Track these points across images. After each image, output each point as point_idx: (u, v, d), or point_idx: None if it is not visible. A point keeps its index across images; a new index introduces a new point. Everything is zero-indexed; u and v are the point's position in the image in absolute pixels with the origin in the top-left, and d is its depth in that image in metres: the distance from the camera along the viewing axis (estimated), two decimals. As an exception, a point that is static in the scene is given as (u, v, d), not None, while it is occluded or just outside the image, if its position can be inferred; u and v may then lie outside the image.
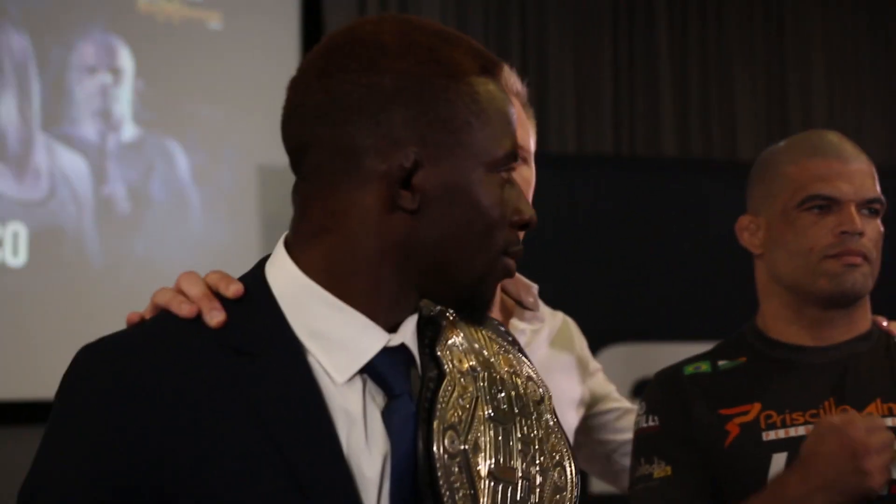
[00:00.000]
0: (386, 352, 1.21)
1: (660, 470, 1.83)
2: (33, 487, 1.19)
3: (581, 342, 2.28)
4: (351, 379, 1.19)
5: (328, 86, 1.21)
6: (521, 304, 2.13)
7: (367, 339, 1.20)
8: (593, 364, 2.25)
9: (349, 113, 1.19)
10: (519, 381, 1.29)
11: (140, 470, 1.13)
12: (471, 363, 1.26)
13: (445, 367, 1.23)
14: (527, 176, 1.84)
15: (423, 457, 1.18)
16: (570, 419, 2.16)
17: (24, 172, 4.19)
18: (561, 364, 2.18)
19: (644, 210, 4.49)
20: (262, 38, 4.54)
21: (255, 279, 1.24)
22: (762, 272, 1.96)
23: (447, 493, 1.17)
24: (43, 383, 4.08)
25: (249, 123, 4.35)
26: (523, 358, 1.34)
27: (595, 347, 4.36)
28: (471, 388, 1.24)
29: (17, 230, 4.15)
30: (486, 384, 1.25)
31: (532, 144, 1.89)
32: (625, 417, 2.15)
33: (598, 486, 4.34)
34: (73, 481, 1.15)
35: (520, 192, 1.25)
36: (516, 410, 1.26)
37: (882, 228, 1.90)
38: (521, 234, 1.27)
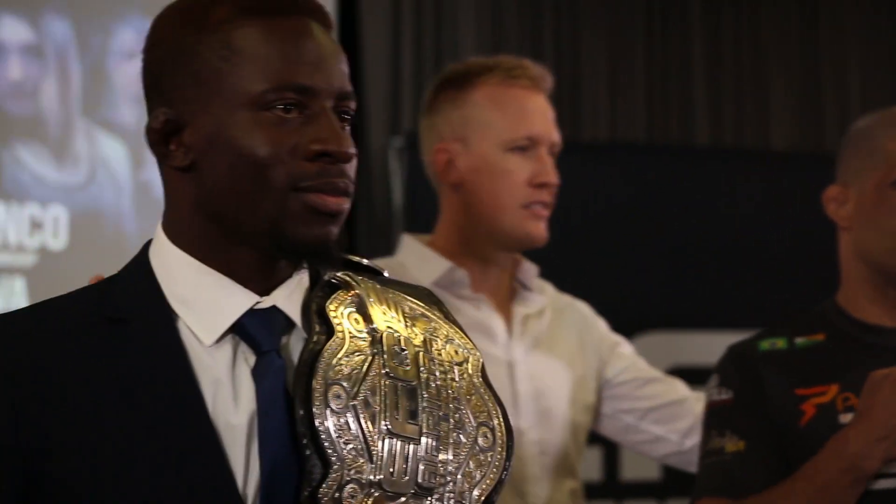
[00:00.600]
0: (256, 313, 1.24)
1: (732, 444, 1.84)
2: None
3: (594, 322, 2.31)
4: (220, 341, 1.23)
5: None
6: (524, 286, 2.18)
7: (234, 300, 1.24)
8: (611, 340, 2.27)
9: (148, 93, 1.29)
10: (435, 344, 1.29)
11: (8, 435, 1.17)
12: (371, 325, 1.26)
13: (337, 327, 1.24)
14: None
15: (303, 412, 1.19)
16: (586, 396, 2.18)
17: (65, 157, 4.24)
18: (565, 343, 2.21)
19: (677, 198, 4.52)
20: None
21: (140, 257, 1.31)
22: (847, 246, 1.93)
23: (331, 447, 1.18)
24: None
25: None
26: (447, 321, 1.34)
27: (628, 335, 4.40)
28: (365, 347, 1.24)
29: (58, 214, 4.20)
30: (384, 343, 1.25)
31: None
32: (649, 385, 2.18)
33: (630, 472, 4.37)
34: None
35: (321, 125, 1.22)
36: (423, 370, 1.26)
37: None
38: (345, 168, 1.24)
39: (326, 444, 1.18)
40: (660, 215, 4.50)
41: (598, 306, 4.27)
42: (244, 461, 1.20)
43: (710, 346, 4.47)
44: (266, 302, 1.25)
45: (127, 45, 4.34)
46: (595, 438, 2.50)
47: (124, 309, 1.24)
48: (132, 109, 4.33)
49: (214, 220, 1.25)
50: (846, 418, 1.80)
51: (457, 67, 2.26)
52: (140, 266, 1.29)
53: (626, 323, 4.35)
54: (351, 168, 1.24)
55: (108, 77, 4.31)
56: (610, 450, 4.30)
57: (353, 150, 1.24)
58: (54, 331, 1.24)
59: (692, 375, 4.36)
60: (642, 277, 4.46)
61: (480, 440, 1.27)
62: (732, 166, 4.70)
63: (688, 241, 4.51)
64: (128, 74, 4.34)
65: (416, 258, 2.17)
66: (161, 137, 1.25)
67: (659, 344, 4.44)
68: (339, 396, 1.20)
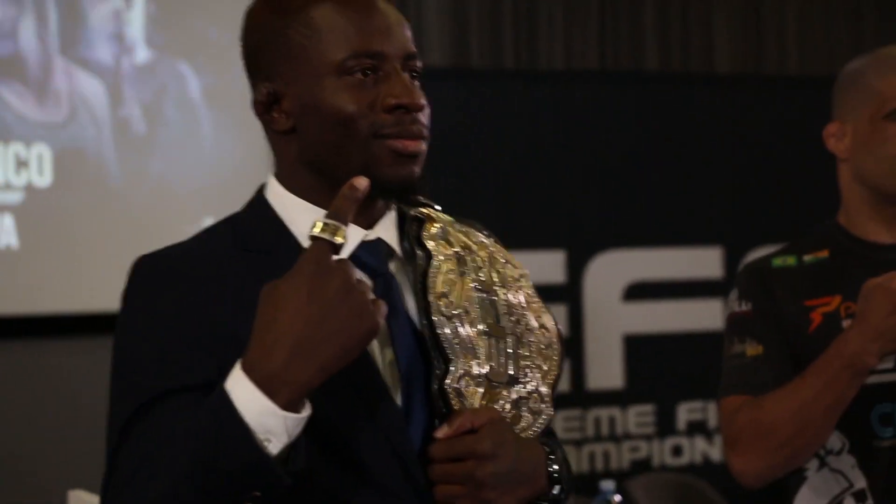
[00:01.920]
0: (366, 244, 1.46)
1: (752, 349, 2.08)
2: (126, 368, 1.40)
3: None
4: None
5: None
6: None
7: (348, 235, 1.37)
8: None
9: (250, 72, 1.50)
10: (497, 264, 1.56)
11: (198, 326, 1.37)
12: (454, 248, 1.52)
13: (432, 251, 1.49)
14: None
15: (426, 321, 1.45)
16: None
17: (46, 95, 4.32)
18: None
19: (630, 122, 4.71)
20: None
21: (259, 200, 1.52)
22: (846, 174, 2.16)
23: (449, 348, 1.44)
24: (71, 296, 4.32)
25: (256, 45, 4.51)
26: (501, 248, 1.60)
27: (588, 254, 4.65)
28: (455, 266, 1.50)
29: (42, 152, 4.31)
30: (468, 263, 1.52)
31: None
32: None
33: (595, 382, 4.65)
34: (153, 343, 1.39)
35: (394, 83, 1.42)
36: (497, 281, 1.53)
37: None
38: (418, 116, 1.43)
39: (446, 345, 1.44)
40: (614, 140, 4.69)
41: (557, 229, 4.53)
42: (381, 360, 1.44)
43: (661, 262, 4.75)
44: (371, 235, 1.47)
45: (101, -16, 4.43)
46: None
47: (263, 242, 1.45)
48: (108, 48, 4.43)
49: (316, 170, 1.46)
50: (848, 324, 2.04)
51: None
52: (263, 208, 1.50)
53: (586, 242, 4.62)
54: (424, 116, 1.45)
55: (84, 16, 4.39)
56: (576, 361, 4.56)
57: (423, 100, 1.44)
58: (209, 255, 1.45)
59: (646, 289, 4.65)
60: (600, 199, 4.66)
61: (542, 339, 1.54)
62: (680, 90, 4.90)
63: (642, 164, 4.70)
64: (103, 14, 4.44)
65: None
66: (265, 108, 1.47)
67: (616, 261, 4.68)
68: (447, 307, 1.46)
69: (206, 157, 4.56)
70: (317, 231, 1.27)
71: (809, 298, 2.11)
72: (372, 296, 1.29)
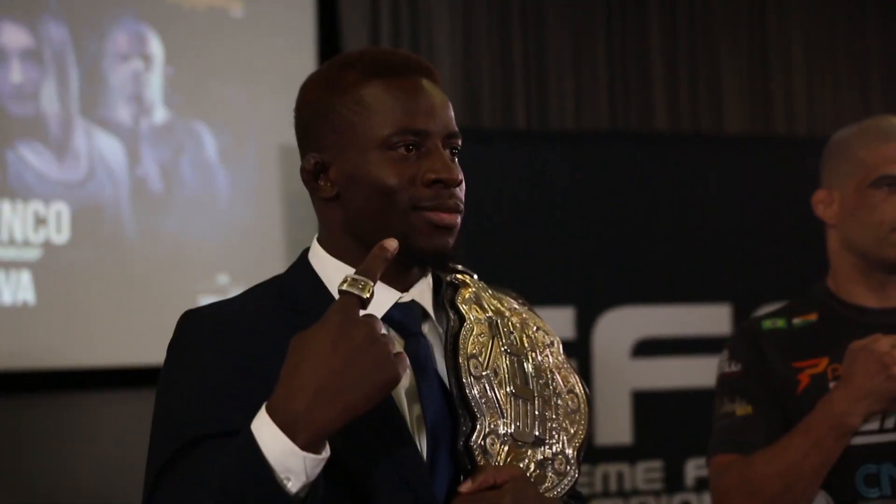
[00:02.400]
0: (400, 306, 1.56)
1: (741, 408, 2.15)
2: (170, 419, 1.48)
3: None
4: None
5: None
6: None
7: (383, 296, 1.52)
8: None
9: (300, 142, 1.61)
10: (529, 329, 1.65)
11: (236, 378, 1.45)
12: (486, 313, 1.61)
13: (464, 314, 1.58)
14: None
15: (454, 379, 1.53)
16: None
17: (65, 155, 4.43)
18: None
19: (639, 182, 4.77)
20: (281, 25, 4.77)
21: (302, 262, 1.62)
22: (834, 240, 2.24)
23: (476, 408, 1.51)
24: (88, 351, 4.39)
25: (271, 105, 4.59)
26: (535, 315, 1.70)
27: (598, 310, 4.69)
28: (486, 330, 1.59)
29: (60, 209, 4.40)
30: (499, 327, 1.61)
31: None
32: None
33: (603, 438, 4.67)
34: (195, 388, 1.47)
35: (434, 159, 1.52)
36: (527, 346, 1.61)
37: None
38: (455, 191, 1.54)
39: (473, 405, 1.52)
40: (624, 199, 4.75)
41: (567, 286, 4.58)
42: (409, 416, 1.52)
43: (670, 319, 4.79)
44: (406, 297, 1.57)
45: (121, 47, 4.55)
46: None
47: (302, 303, 1.55)
48: (127, 108, 4.54)
49: (357, 237, 1.56)
50: (834, 386, 2.09)
51: None
52: (305, 270, 1.61)
53: (596, 299, 4.66)
54: (460, 191, 1.56)
55: (104, 78, 4.51)
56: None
57: (460, 176, 1.55)
58: (252, 313, 1.54)
59: (655, 345, 4.69)
60: (610, 257, 4.71)
61: (570, 404, 1.63)
62: (690, 150, 4.96)
63: (651, 223, 4.76)
64: (122, 75, 4.56)
65: None
66: (312, 176, 1.58)
67: (625, 318, 4.72)
68: (476, 367, 1.54)
69: (221, 215, 4.65)
70: (345, 286, 1.35)
71: (797, 360, 2.16)
72: (397, 349, 1.37)
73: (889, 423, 2.07)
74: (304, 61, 4.67)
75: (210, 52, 4.67)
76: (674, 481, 4.70)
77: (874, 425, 2.06)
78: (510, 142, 4.86)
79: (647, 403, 4.69)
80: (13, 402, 4.34)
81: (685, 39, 5.50)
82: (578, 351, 4.65)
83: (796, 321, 2.22)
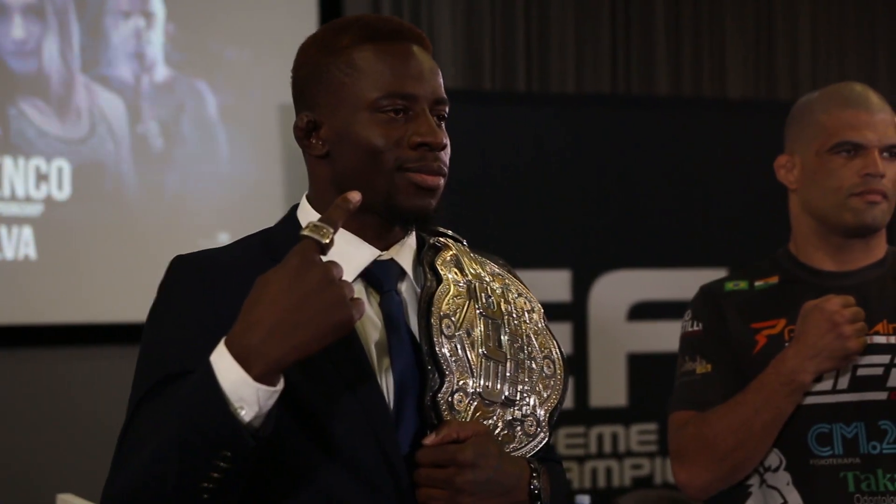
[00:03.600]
0: (379, 263, 1.61)
1: (701, 367, 2.19)
2: (152, 355, 1.55)
3: None
4: (354, 281, 1.57)
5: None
6: None
7: (363, 252, 1.60)
8: None
9: (295, 101, 1.66)
10: (510, 294, 1.69)
11: (215, 320, 1.48)
12: (466, 277, 1.66)
13: (443, 276, 1.63)
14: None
15: (425, 337, 1.57)
16: None
17: (67, 112, 4.47)
18: None
19: (638, 145, 4.78)
20: (284, -16, 4.80)
21: (289, 216, 1.68)
22: (795, 204, 2.27)
23: (446, 365, 1.56)
24: (88, 307, 4.45)
25: (272, 64, 4.62)
26: (517, 280, 1.75)
27: (595, 273, 4.71)
28: (464, 292, 1.64)
29: (62, 166, 4.46)
30: (477, 291, 1.65)
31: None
32: None
33: (599, 400, 4.71)
34: (177, 326, 1.54)
35: (421, 123, 1.58)
36: (506, 310, 1.66)
37: None
38: (439, 155, 1.58)
39: (443, 362, 1.57)
40: (624, 162, 4.75)
41: (564, 249, 4.61)
42: (378, 368, 1.57)
43: (666, 283, 4.81)
44: (385, 255, 1.63)
45: (122, 4, 4.57)
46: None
47: (283, 253, 1.55)
48: (128, 66, 4.57)
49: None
50: None
51: None
52: (291, 223, 1.66)
53: (594, 262, 4.69)
54: (445, 155, 1.61)
55: (105, 35, 4.54)
56: (580, 379, 4.64)
57: (445, 140, 1.60)
58: (237, 261, 1.59)
59: (651, 309, 4.71)
60: (607, 220, 4.73)
61: (545, 369, 1.68)
62: (688, 115, 4.96)
63: (650, 186, 4.75)
64: (124, 33, 4.58)
65: None
66: (305, 133, 1.63)
67: (622, 281, 4.74)
68: (449, 327, 1.59)
69: (221, 173, 4.68)
70: (306, 232, 1.41)
71: (756, 321, 2.20)
72: (353, 294, 1.41)
73: (842, 384, 2.11)
74: (304, 20, 4.69)
75: (211, 11, 4.69)
76: (667, 443, 4.73)
77: (827, 385, 2.11)
78: (510, 104, 4.88)
79: (642, 366, 4.73)
80: (14, 355, 4.41)
81: (689, 3, 5.49)
82: (575, 313, 4.68)
83: (758, 283, 2.25)
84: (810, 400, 2.10)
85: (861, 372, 2.10)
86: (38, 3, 4.44)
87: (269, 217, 4.55)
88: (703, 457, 2.13)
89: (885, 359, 2.11)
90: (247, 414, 1.36)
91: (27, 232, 4.41)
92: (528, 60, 5.26)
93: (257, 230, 1.69)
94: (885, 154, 2.19)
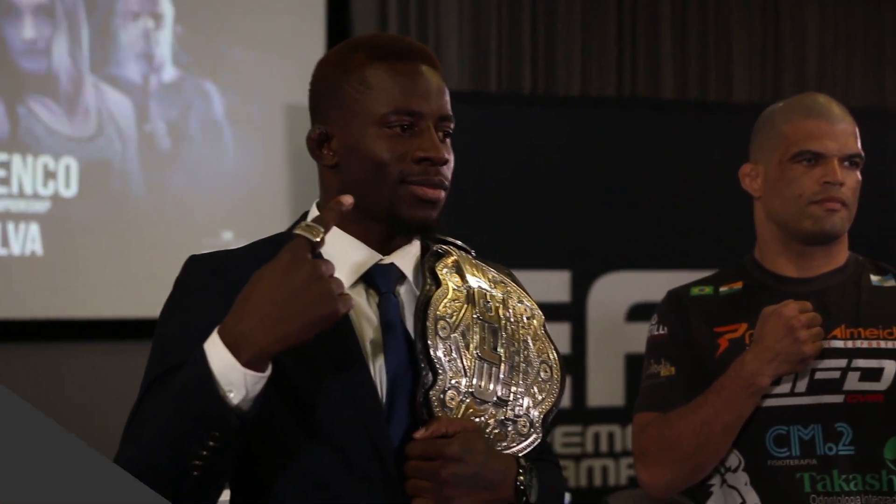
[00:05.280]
0: (380, 267, 1.69)
1: (666, 370, 2.24)
2: (164, 344, 1.65)
3: None
4: (354, 285, 1.67)
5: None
6: None
7: (364, 256, 1.69)
8: None
9: (311, 113, 1.74)
10: (510, 300, 1.76)
11: (219, 314, 1.55)
12: (466, 283, 1.73)
13: (442, 280, 1.71)
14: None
15: (420, 337, 1.65)
16: None
17: (75, 111, 4.55)
18: None
19: (639, 148, 4.80)
20: (291, -13, 4.86)
21: (300, 222, 1.73)
22: (760, 212, 2.33)
23: (439, 364, 1.63)
24: (93, 303, 4.53)
25: (279, 66, 4.67)
26: (519, 287, 1.81)
27: (593, 274, 4.74)
28: (462, 297, 1.71)
29: (69, 164, 4.54)
30: (475, 296, 1.72)
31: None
32: None
33: (597, 400, 4.75)
34: (186, 317, 1.62)
35: (425, 138, 1.66)
36: (502, 316, 1.73)
37: (860, 178, 2.25)
38: (441, 169, 1.66)
39: (436, 362, 1.64)
40: (626, 164, 4.78)
41: (564, 250, 4.64)
42: (372, 365, 1.65)
43: (667, 284, 4.79)
44: (387, 260, 1.71)
45: (131, 5, 4.64)
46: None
47: None
48: (137, 66, 4.65)
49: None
50: None
51: None
52: None
53: (594, 263, 4.72)
54: (447, 169, 1.68)
55: (114, 35, 4.61)
56: (578, 378, 4.68)
57: (447, 156, 1.67)
58: (248, 262, 1.65)
59: (649, 310, 4.72)
60: (608, 222, 4.76)
61: (542, 373, 1.74)
62: (695, 118, 4.99)
63: (651, 188, 4.78)
64: (133, 34, 4.66)
65: None
66: (316, 145, 1.72)
67: (622, 282, 4.78)
68: (444, 328, 1.67)
69: (227, 173, 4.75)
70: (299, 230, 1.51)
71: (719, 325, 2.24)
72: (342, 290, 1.50)
73: (800, 387, 2.15)
74: (312, 22, 4.75)
75: (219, 13, 4.76)
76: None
77: (785, 388, 2.15)
78: (515, 106, 4.92)
79: (640, 367, 4.73)
80: (19, 349, 4.49)
81: (696, 6, 5.51)
82: (574, 314, 4.72)
83: (723, 289, 2.30)
84: (769, 402, 2.15)
85: (819, 375, 2.15)
86: (48, 4, 4.51)
87: (274, 216, 4.68)
88: (666, 457, 2.18)
89: (843, 363, 2.15)
90: (235, 396, 1.47)
91: (34, 228, 4.50)
92: (533, 63, 5.30)
93: (262, 229, 1.80)
94: (845, 163, 2.23)
